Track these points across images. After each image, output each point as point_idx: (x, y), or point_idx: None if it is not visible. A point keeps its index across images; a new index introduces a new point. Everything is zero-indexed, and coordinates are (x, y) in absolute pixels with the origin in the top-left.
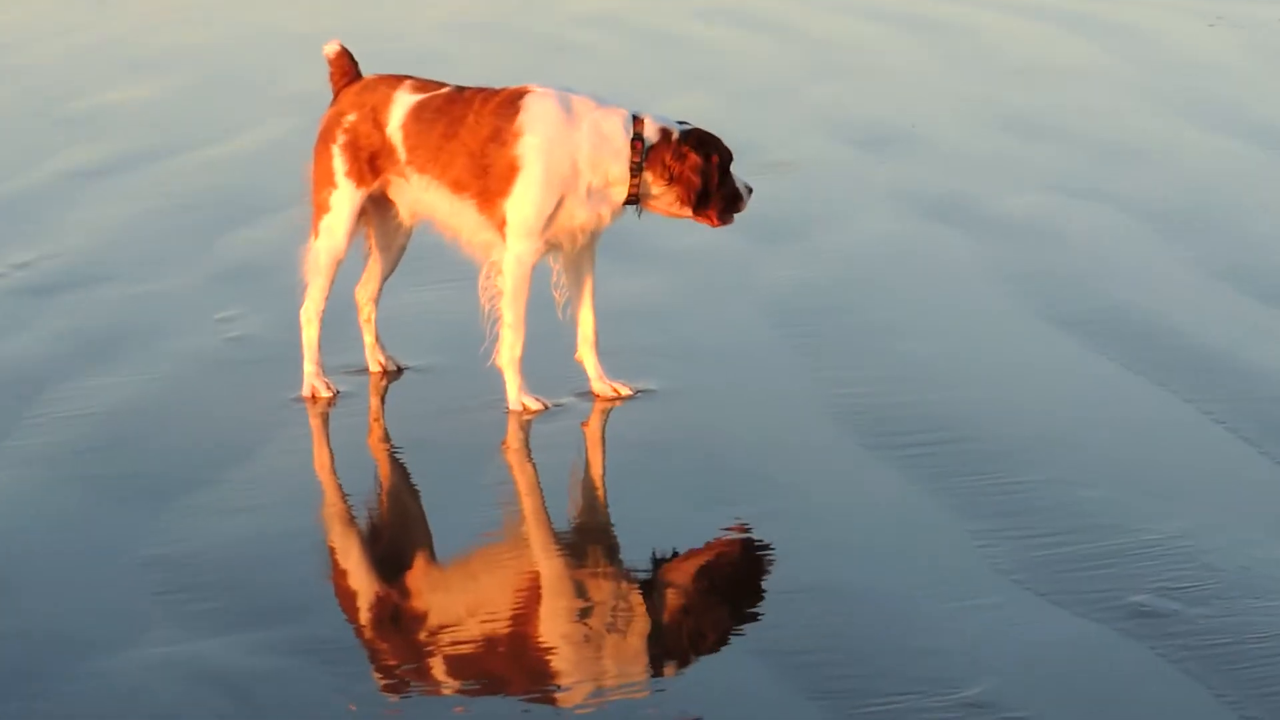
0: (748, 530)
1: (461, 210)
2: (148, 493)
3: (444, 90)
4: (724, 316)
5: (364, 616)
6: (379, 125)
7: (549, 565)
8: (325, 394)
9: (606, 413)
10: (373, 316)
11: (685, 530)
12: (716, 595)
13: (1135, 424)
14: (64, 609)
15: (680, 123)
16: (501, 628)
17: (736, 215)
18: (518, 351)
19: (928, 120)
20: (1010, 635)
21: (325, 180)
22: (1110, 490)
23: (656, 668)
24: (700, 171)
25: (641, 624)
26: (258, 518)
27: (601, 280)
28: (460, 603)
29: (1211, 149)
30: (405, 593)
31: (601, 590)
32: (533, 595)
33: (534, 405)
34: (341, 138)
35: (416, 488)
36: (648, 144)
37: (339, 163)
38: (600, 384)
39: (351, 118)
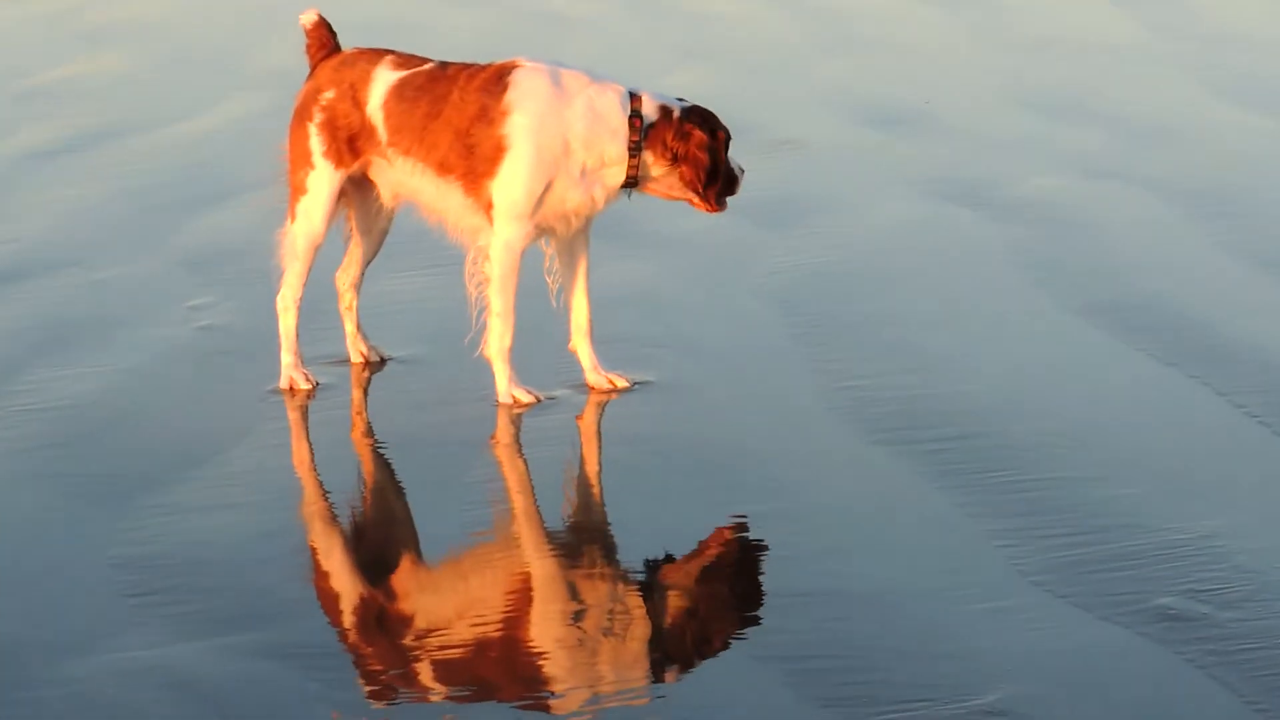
0: (750, 530)
1: (447, 193)
2: (116, 491)
3: (427, 66)
4: (725, 305)
5: (346, 620)
6: (358, 104)
7: (541, 566)
8: (304, 386)
9: (602, 406)
10: (354, 304)
11: (684, 530)
12: (718, 598)
13: (1163, 418)
14: (28, 613)
15: (679, 99)
16: (491, 631)
17: (731, 199)
18: (507, 341)
19: (944, 97)
20: (1030, 640)
21: (302, 161)
22: (1136, 488)
23: (656, 673)
24: (708, 149)
25: (639, 628)
26: (233, 517)
27: (596, 266)
28: (448, 605)
29: (1246, 128)
30: (390, 595)
31: (597, 592)
32: (524, 597)
33: (524, 398)
34: (318, 116)
35: (401, 485)
36: (647, 122)
37: (316, 142)
38: (595, 375)
39: (329, 95)
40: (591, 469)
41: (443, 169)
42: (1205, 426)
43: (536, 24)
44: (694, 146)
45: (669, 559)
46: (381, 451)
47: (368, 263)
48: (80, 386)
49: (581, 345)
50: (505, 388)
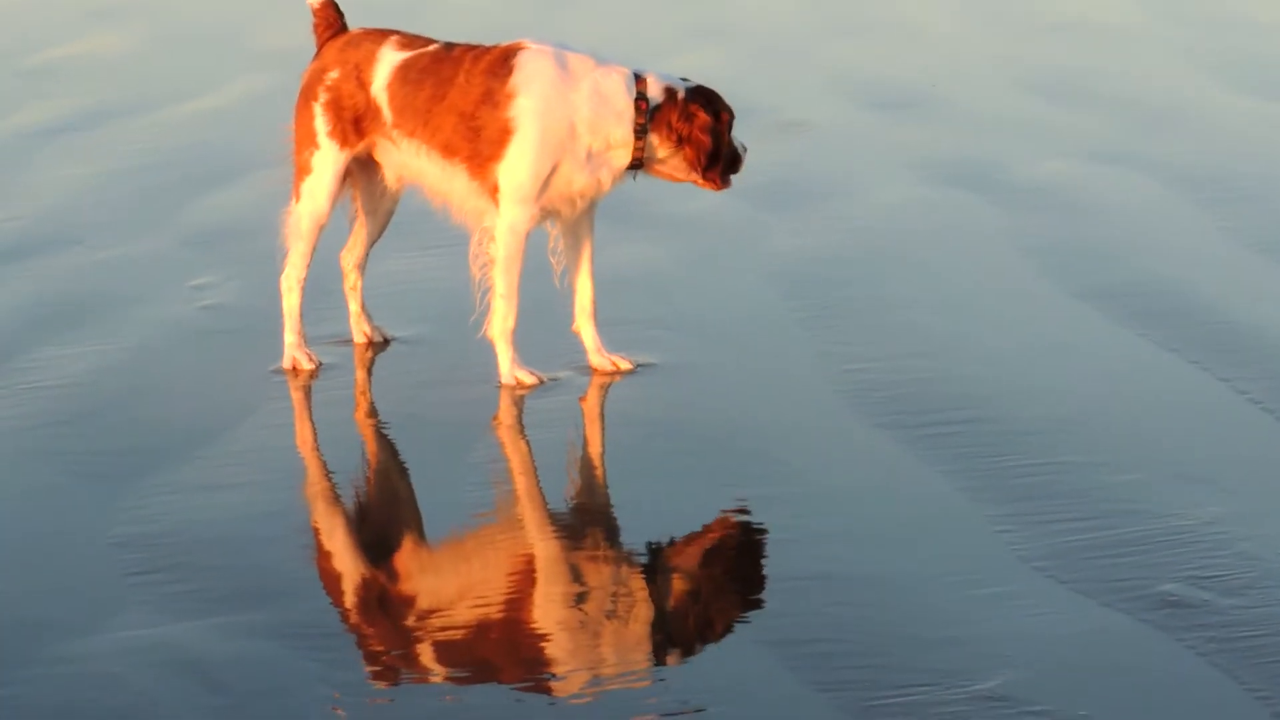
0: (752, 513)
1: (452, 175)
2: (118, 469)
3: (432, 47)
4: (730, 287)
5: (348, 600)
6: (363, 84)
7: (543, 547)
8: (307, 366)
9: (605, 388)
10: (358, 284)
11: (687, 513)
12: (719, 581)
13: (1166, 404)
14: (30, 591)
15: (683, 80)
16: (492, 613)
17: (735, 177)
18: (510, 323)
19: (950, 81)
20: (1031, 626)
21: (307, 140)
22: (1138, 474)
23: (657, 657)
24: (710, 131)
25: (641, 611)
26: (235, 496)
27: (601, 247)
28: (449, 586)
29: (1252, 112)
30: (391, 576)
31: (599, 575)
32: (526, 579)
33: (528, 379)
34: (324, 96)
35: (404, 465)
36: (652, 104)
37: (321, 122)
38: (599, 357)
39: (334, 75)
40: (594, 451)
41: (447, 151)
42: (1208, 412)
43: (544, 4)
44: (697, 129)
45: (671, 541)
46: (384, 432)
47: (372, 243)
48: (83, 365)
49: (585, 327)
50: (508, 369)
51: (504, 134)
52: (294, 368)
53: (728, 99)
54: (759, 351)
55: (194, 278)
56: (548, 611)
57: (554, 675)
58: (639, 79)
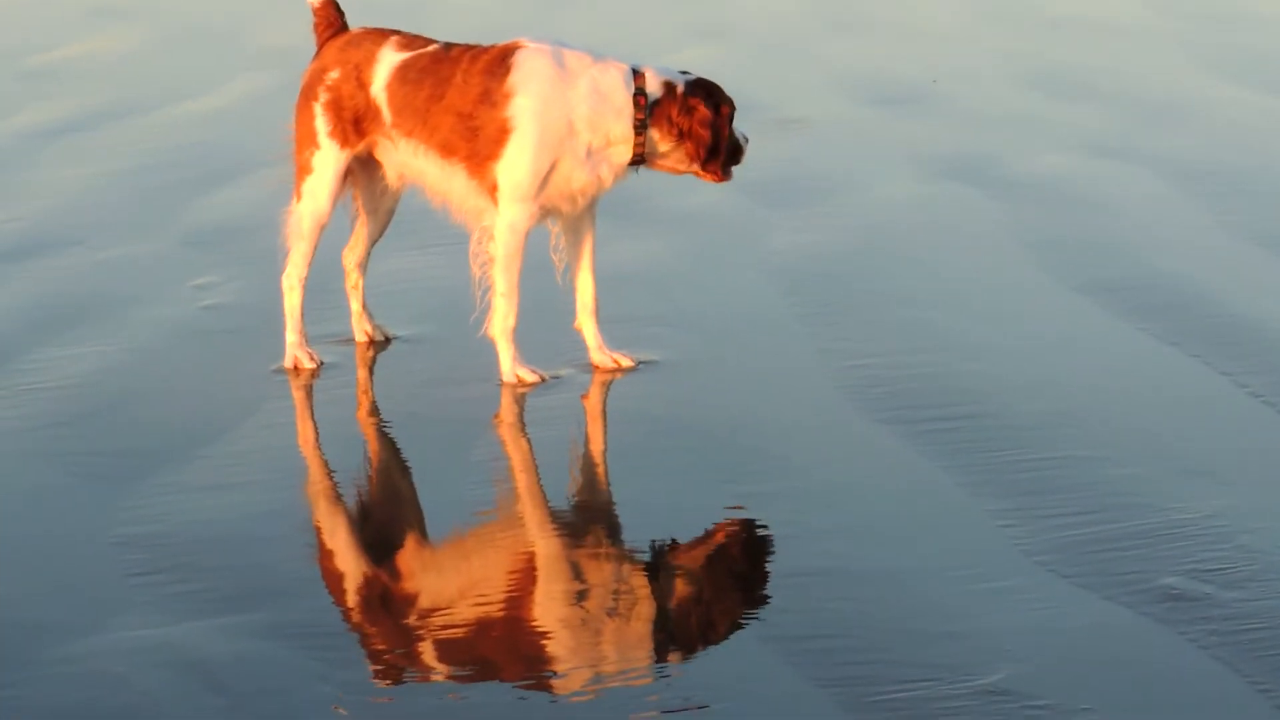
0: (754, 509)
1: (451, 175)
2: (120, 469)
3: (431, 48)
4: (731, 284)
5: (350, 600)
6: (363, 85)
7: (545, 545)
8: (309, 365)
9: (607, 385)
10: (360, 283)
11: (689, 510)
12: (722, 578)
13: (1167, 398)
14: (31, 592)
15: (682, 73)
16: (495, 611)
17: (736, 168)
18: (511, 321)
19: (950, 76)
20: (1033, 620)
21: (308, 140)
22: (1140, 467)
23: (659, 654)
24: (710, 125)
25: (643, 608)
26: (237, 496)
27: (601, 244)
28: (452, 585)
29: (1252, 106)
30: (394, 574)
31: (601, 572)
32: (528, 577)
33: (529, 377)
34: (324, 96)
35: (405, 464)
36: (651, 99)
37: (322, 122)
38: (600, 355)
39: (334, 75)
40: (596, 448)
41: (446, 151)
42: (1209, 406)
43: (544, 3)
44: (697, 123)
45: (673, 538)
46: (385, 430)
47: (374, 242)
48: (84, 365)
49: (587, 324)
50: (509, 367)
51: (502, 133)
52: (295, 367)
53: (727, 92)
54: (760, 348)
55: (195, 277)
56: (549, 609)
57: (556, 673)
58: (637, 74)
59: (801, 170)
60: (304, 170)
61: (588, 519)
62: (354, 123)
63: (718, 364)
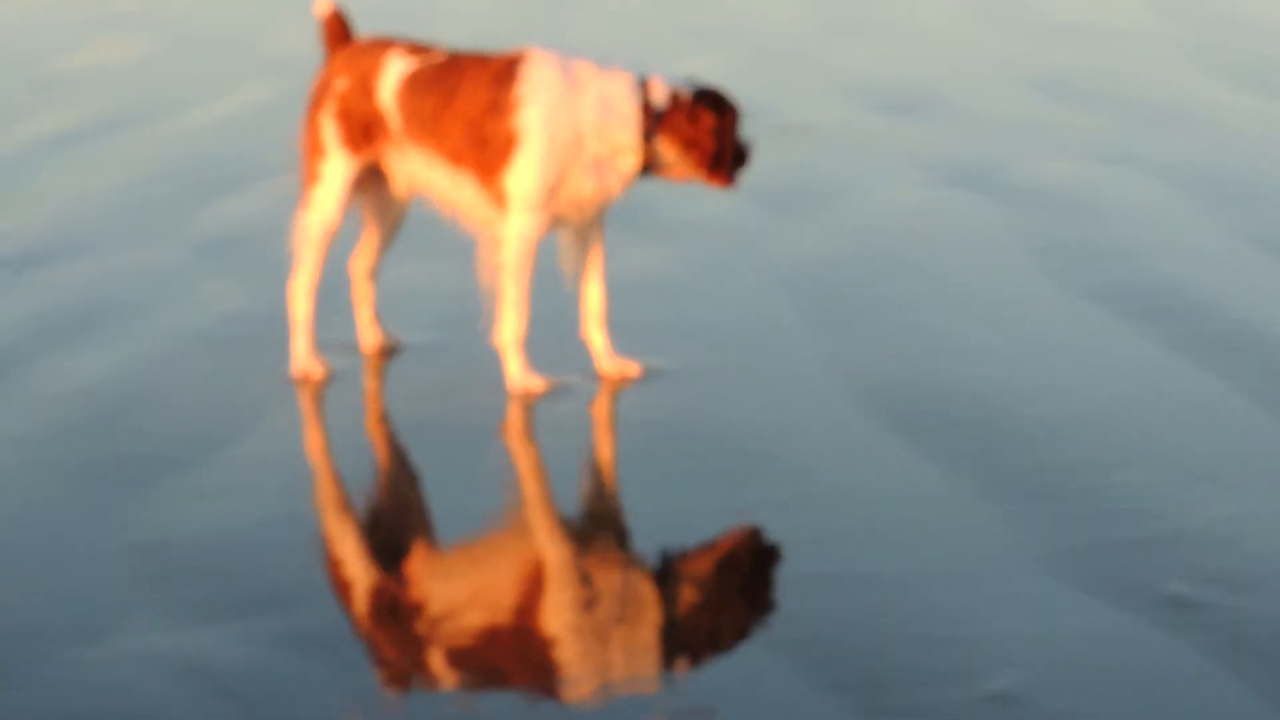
0: (761, 516)
1: (460, 183)
2: (129, 477)
3: (439, 56)
4: (737, 291)
5: (359, 607)
6: (370, 93)
7: (553, 553)
8: (316, 374)
9: (614, 393)
10: (368, 291)
11: (696, 517)
12: (728, 584)
13: (1174, 404)
14: (39, 598)
15: (687, 80)
16: (503, 618)
17: (742, 174)
18: (519, 330)
19: (954, 82)
20: (1039, 625)
21: (316, 150)
22: (1147, 473)
23: (667, 661)
24: (715, 133)
25: (651, 615)
26: (246, 502)
27: (608, 253)
28: (460, 592)
29: (1257, 114)
30: (402, 582)
31: (609, 580)
32: (537, 585)
33: (536, 386)
34: (332, 105)
35: (413, 472)
36: (658, 109)
37: (330, 132)
38: (608, 363)
39: (342, 84)
40: (603, 455)
41: (455, 159)
42: (1214, 411)
43: (549, 8)
44: (703, 132)
45: (681, 544)
46: (394, 438)
47: (381, 251)
48: (93, 373)
49: (594, 333)
50: (517, 376)
51: (511, 143)
52: (303, 375)
53: (733, 98)
54: (766, 354)
55: (203, 285)
56: (558, 617)
57: (562, 679)
58: (643, 84)
59: (805, 177)
60: (312, 180)
61: (595, 526)
62: (362, 131)
63: (723, 371)
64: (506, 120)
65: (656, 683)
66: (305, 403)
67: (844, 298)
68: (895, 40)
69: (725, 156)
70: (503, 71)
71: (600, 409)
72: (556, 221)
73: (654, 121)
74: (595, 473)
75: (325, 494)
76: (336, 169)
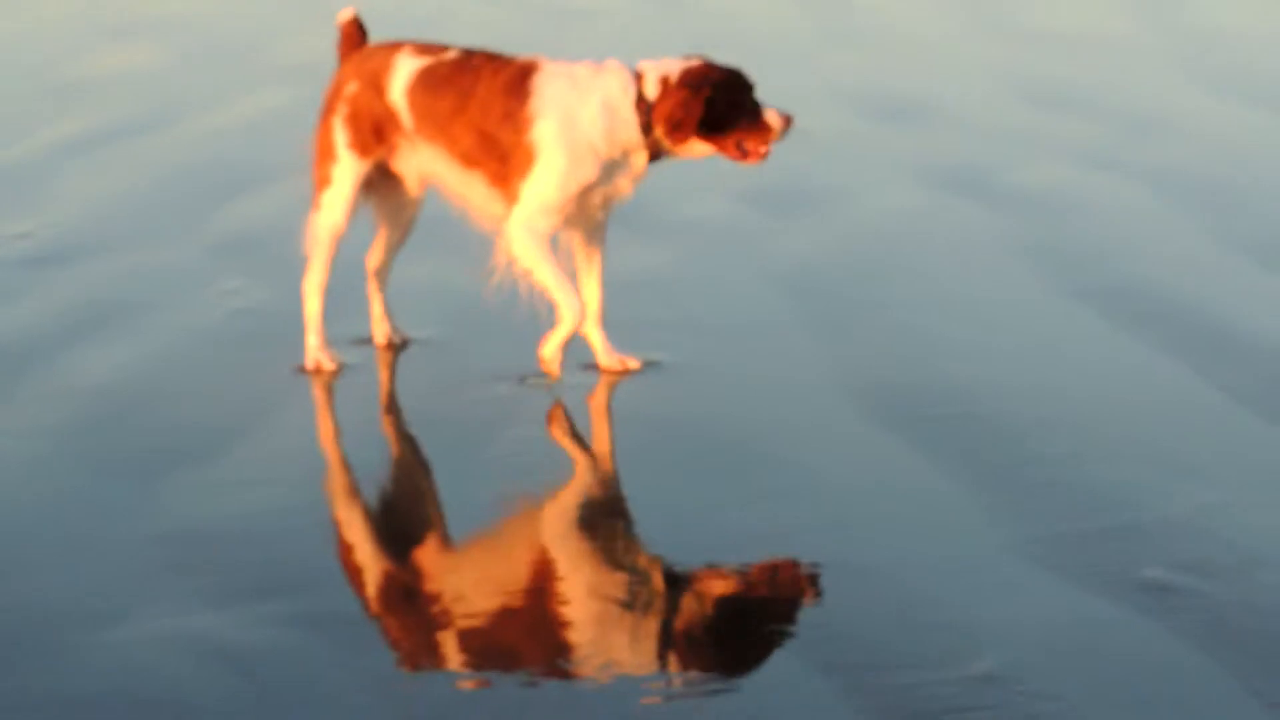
0: (756, 506)
1: (471, 183)
2: (148, 468)
3: (450, 55)
4: (734, 289)
5: (369, 590)
6: (381, 92)
7: (557, 538)
8: (329, 367)
9: (613, 386)
10: (382, 289)
11: (692, 505)
12: (725, 572)
13: (1153, 400)
14: (65, 584)
15: (684, 58)
16: (509, 603)
17: (770, 147)
18: (578, 306)
19: (945, 90)
20: (1023, 609)
21: (327, 153)
22: (1127, 466)
23: (667, 643)
24: (683, 104)
25: (650, 599)
26: (263, 492)
27: (609, 251)
28: (468, 578)
29: (1238, 121)
30: (412, 567)
31: (609, 567)
32: (540, 570)
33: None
34: (343, 109)
35: (424, 462)
36: (650, 100)
37: (340, 135)
38: (608, 358)
39: (352, 87)
40: (602, 447)
41: (468, 162)
42: (1191, 407)
43: (552, 16)
44: (674, 105)
45: (677, 533)
46: (404, 430)
47: (395, 250)
48: (116, 368)
49: (592, 330)
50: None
51: (530, 156)
52: (316, 368)
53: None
54: (761, 351)
55: (220, 283)
56: (559, 602)
57: (565, 661)
58: (637, 75)
59: (802, 180)
60: (323, 183)
61: (594, 514)
62: (373, 131)
63: (721, 366)
64: (523, 135)
65: (656, 664)
66: (318, 395)
67: (838, 297)
68: (889, 50)
69: (684, 125)
70: (515, 82)
71: (598, 402)
72: (568, 221)
73: (647, 113)
74: (595, 463)
75: (339, 483)
76: (345, 172)
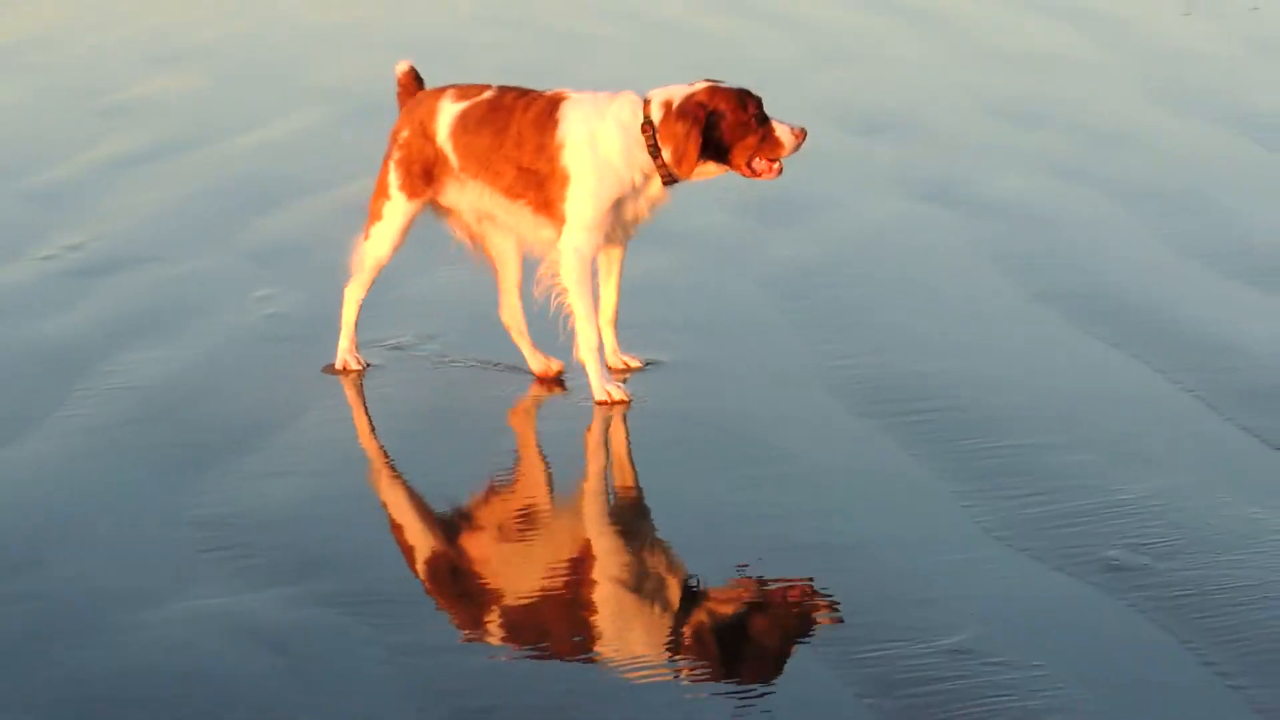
0: (748, 492)
1: (518, 213)
2: (192, 459)
3: (485, 96)
4: (729, 293)
5: (397, 573)
6: (430, 137)
7: (562, 525)
8: (355, 368)
9: (623, 382)
10: (524, 330)
11: (690, 493)
12: (718, 553)
13: (1112, 393)
14: (114, 566)
15: (689, 85)
16: (524, 584)
17: (782, 162)
18: (595, 341)
19: (925, 107)
20: (992, 587)
21: (382, 191)
22: (1087, 454)
23: (662, 618)
24: (682, 139)
25: (650, 583)
26: (295, 481)
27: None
28: (488, 561)
29: (1192, 135)
30: (436, 550)
31: (616, 550)
32: (548, 552)
33: (617, 394)
34: (397, 154)
35: (443, 454)
36: (656, 124)
37: (394, 177)
38: (614, 357)
39: (405, 134)
40: (612, 439)
41: (511, 194)
42: (1147, 399)
43: (552, 41)
44: (681, 143)
45: (676, 518)
46: (424, 426)
47: (517, 287)
48: (159, 368)
49: (606, 331)
50: (599, 385)
51: (564, 182)
52: (344, 368)
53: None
54: (755, 350)
55: (256, 290)
56: (573, 581)
57: (579, 637)
58: (646, 102)
59: (792, 191)
60: (374, 216)
61: (599, 501)
62: (423, 174)
63: (717, 364)
64: (555, 164)
65: (663, 638)
66: (349, 392)
67: (825, 299)
68: (871, 69)
69: (686, 155)
70: (543, 115)
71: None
72: (607, 239)
73: (653, 136)
74: (600, 454)
75: (366, 473)
76: (395, 210)
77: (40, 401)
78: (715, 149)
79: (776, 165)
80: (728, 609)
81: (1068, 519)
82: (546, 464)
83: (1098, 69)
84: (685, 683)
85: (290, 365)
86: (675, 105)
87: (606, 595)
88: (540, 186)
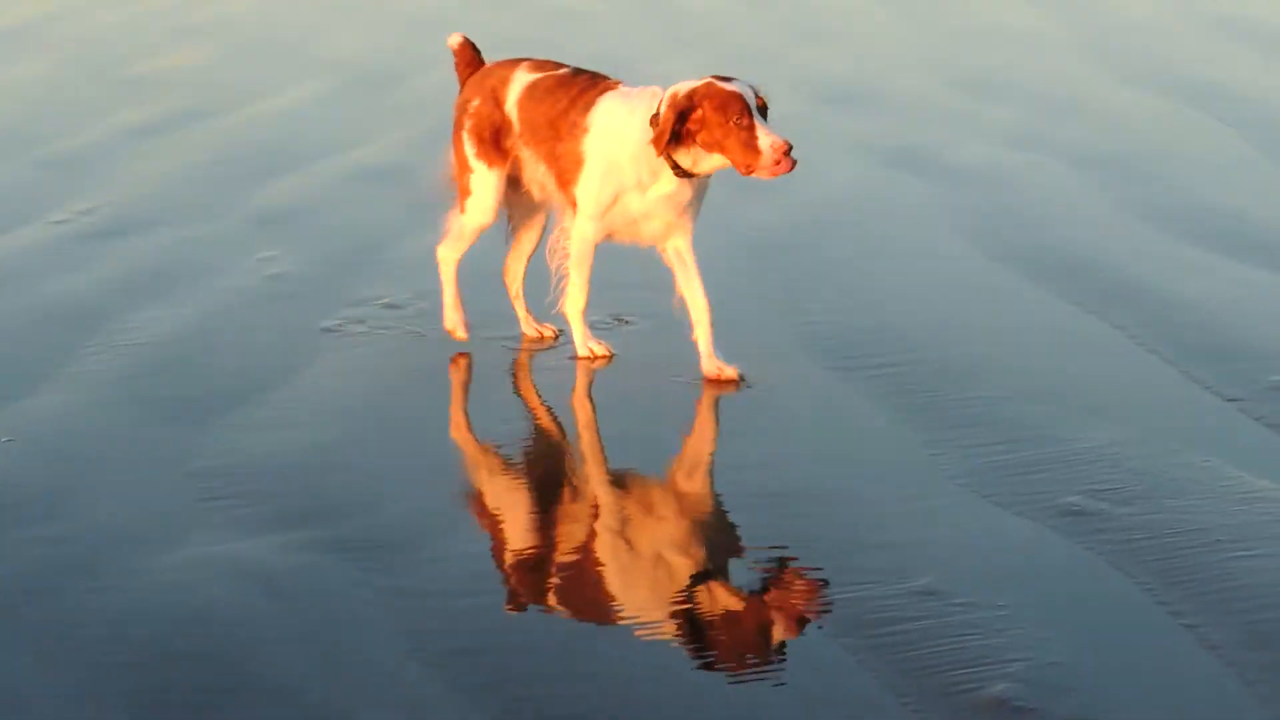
0: (721, 444)
1: (550, 182)
2: (195, 412)
3: (558, 72)
4: (706, 255)
5: (387, 519)
6: (499, 104)
7: (554, 471)
8: (462, 335)
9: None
10: (520, 290)
11: (668, 443)
12: (698, 501)
13: (1069, 347)
14: (119, 513)
15: (692, 81)
16: (518, 531)
17: (768, 170)
18: (581, 303)
19: (889, 78)
20: (957, 532)
21: (463, 166)
22: (1047, 405)
23: (641, 565)
24: (657, 120)
25: (630, 529)
26: (294, 433)
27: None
28: (476, 509)
29: (1142, 104)
30: (427, 498)
31: (597, 499)
32: (532, 502)
33: (599, 350)
34: (468, 123)
35: (438, 409)
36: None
37: (469, 147)
38: (709, 363)
39: (475, 103)
40: (595, 393)
41: (549, 162)
42: (1104, 353)
43: (545, 18)
44: (656, 123)
45: (657, 468)
46: (422, 382)
47: (531, 253)
48: (168, 325)
49: (701, 334)
50: (581, 342)
51: (578, 163)
52: (452, 330)
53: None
54: (730, 307)
55: (260, 252)
56: (544, 534)
57: (556, 585)
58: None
59: None
60: (465, 193)
61: (583, 454)
62: (494, 141)
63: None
64: (576, 144)
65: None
66: (345, 349)
67: (797, 260)
68: (839, 43)
69: (659, 134)
70: (586, 100)
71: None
72: (614, 232)
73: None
74: (587, 409)
75: (362, 425)
76: (482, 179)
77: (54, 356)
78: (689, 139)
79: (759, 171)
80: (691, 555)
81: (1029, 467)
82: (534, 416)
83: (1056, 43)
84: (661, 625)
85: (291, 324)
86: (677, 96)
87: (598, 544)
88: (563, 163)
